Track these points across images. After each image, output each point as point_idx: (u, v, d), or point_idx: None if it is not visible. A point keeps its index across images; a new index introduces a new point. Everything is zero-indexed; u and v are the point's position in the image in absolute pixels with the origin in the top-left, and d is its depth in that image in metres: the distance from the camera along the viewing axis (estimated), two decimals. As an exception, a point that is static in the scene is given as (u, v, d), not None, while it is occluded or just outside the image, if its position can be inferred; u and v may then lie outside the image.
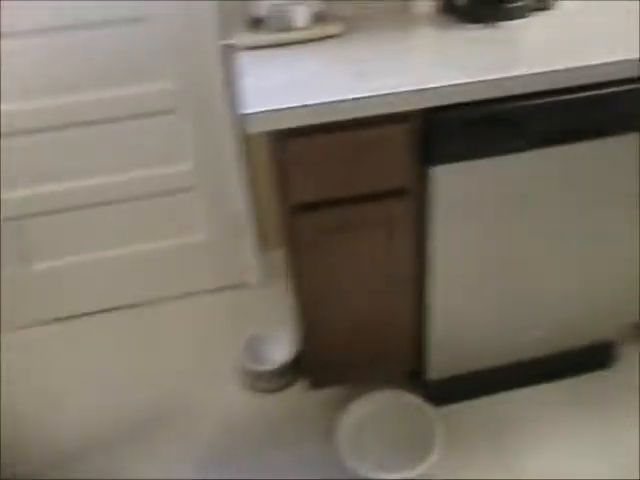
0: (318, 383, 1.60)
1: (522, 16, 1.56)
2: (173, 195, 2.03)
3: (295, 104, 1.13)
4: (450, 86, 1.17)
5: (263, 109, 1.13)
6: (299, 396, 1.76)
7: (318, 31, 1.52)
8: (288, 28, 1.53)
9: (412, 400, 1.55)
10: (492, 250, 1.42)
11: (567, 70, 1.21)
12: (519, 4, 1.55)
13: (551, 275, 1.51)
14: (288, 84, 1.24)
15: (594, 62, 1.21)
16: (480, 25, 1.52)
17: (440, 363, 1.59)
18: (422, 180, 1.29)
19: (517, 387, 1.73)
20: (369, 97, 1.15)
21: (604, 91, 1.25)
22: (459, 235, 1.37)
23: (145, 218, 2.05)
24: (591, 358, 1.75)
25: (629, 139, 1.33)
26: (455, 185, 1.29)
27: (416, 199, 1.32)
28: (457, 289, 1.46)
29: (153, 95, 1.85)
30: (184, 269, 2.17)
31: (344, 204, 1.29)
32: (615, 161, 1.36)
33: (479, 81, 1.18)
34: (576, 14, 1.57)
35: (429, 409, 1.52)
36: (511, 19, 1.54)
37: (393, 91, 1.15)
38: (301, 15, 1.52)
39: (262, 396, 1.77)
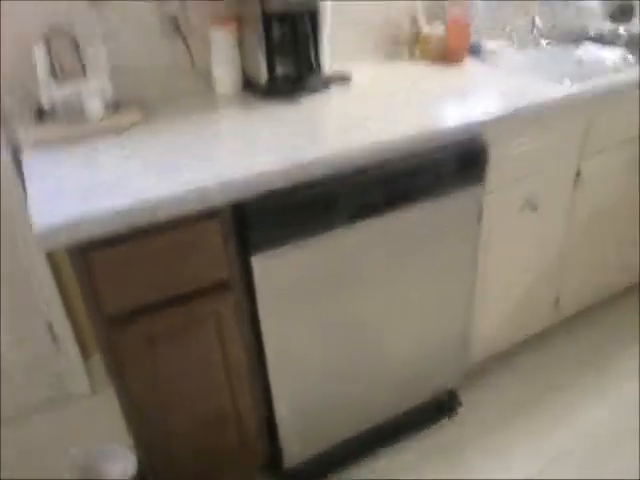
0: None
1: (321, 90, 1.60)
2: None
3: (91, 212, 1.02)
4: (255, 176, 1.14)
5: (50, 223, 0.99)
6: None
7: (114, 121, 1.42)
8: (80, 119, 1.41)
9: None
10: (326, 327, 1.40)
11: (367, 146, 1.24)
12: (318, 80, 1.59)
13: (387, 339, 1.53)
14: (81, 187, 1.12)
15: (388, 138, 1.26)
16: (282, 102, 1.53)
17: (294, 448, 1.52)
18: (244, 270, 1.24)
19: (378, 448, 1.71)
20: (173, 196, 1.07)
21: (402, 164, 1.31)
22: (290, 317, 1.33)
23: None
24: (438, 409, 1.80)
25: (436, 204, 1.40)
26: (279, 270, 1.25)
27: (242, 289, 1.26)
28: (296, 371, 1.41)
29: None
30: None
31: (167, 307, 1.19)
32: (426, 225, 1.43)
33: (283, 168, 1.16)
34: (369, 88, 1.64)
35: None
36: (312, 94, 1.58)
37: (198, 186, 1.09)
38: (94, 104, 1.41)
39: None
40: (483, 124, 1.40)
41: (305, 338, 1.38)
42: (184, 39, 1.60)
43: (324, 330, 1.40)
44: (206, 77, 1.65)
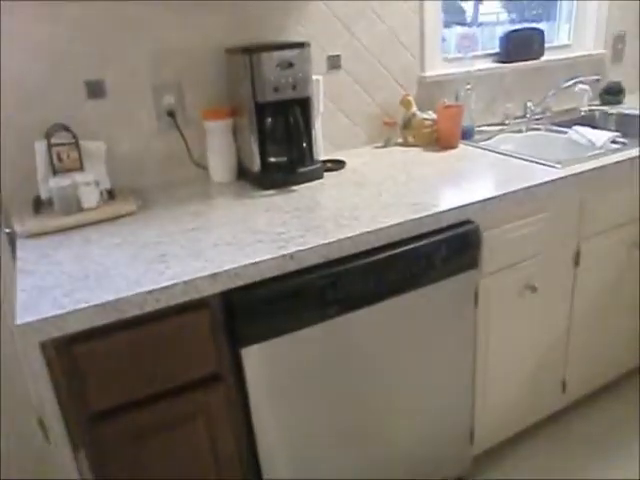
0: None
1: (315, 179, 1.62)
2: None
3: (75, 306, 1.00)
4: (245, 266, 1.13)
5: (35, 318, 0.98)
6: None
7: (110, 211, 1.43)
8: (76, 210, 1.42)
9: None
10: (320, 418, 1.34)
11: (359, 235, 1.24)
12: (311, 168, 1.62)
13: (386, 430, 1.47)
14: (70, 278, 1.11)
15: (380, 226, 1.26)
16: (276, 191, 1.55)
17: None
18: (235, 362, 1.20)
19: None
20: (161, 288, 1.06)
21: (395, 251, 1.30)
22: (283, 409, 1.28)
23: None
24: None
25: (431, 290, 1.39)
26: (271, 362, 1.22)
27: (233, 381, 1.22)
28: (290, 466, 1.34)
29: None
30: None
31: (155, 402, 1.15)
32: (422, 311, 1.40)
33: (274, 257, 1.15)
34: (362, 174, 1.67)
35: None
36: (305, 182, 1.60)
37: (188, 278, 1.08)
38: (90, 195, 1.43)
39: None
40: (475, 208, 1.41)
41: (299, 430, 1.32)
42: (180, 130, 1.64)
43: (319, 422, 1.35)
44: (202, 166, 1.68)
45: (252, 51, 1.47)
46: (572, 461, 1.87)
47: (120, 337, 1.07)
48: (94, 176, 1.43)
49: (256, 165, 1.58)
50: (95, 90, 1.53)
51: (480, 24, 2.33)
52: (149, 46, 1.57)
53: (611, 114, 2.32)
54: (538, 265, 1.65)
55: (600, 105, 2.41)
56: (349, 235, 1.23)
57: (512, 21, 2.43)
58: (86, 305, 1.01)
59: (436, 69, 2.07)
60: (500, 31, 2.27)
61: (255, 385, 1.22)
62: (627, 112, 2.29)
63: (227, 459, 1.28)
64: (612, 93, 2.42)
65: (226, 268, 1.11)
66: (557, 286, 1.73)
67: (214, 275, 1.10)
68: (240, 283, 1.14)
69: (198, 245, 1.23)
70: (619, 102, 2.42)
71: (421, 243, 1.33)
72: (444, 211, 1.35)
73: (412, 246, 1.32)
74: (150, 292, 1.05)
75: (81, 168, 1.46)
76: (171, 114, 1.62)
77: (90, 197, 1.43)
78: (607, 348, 1.99)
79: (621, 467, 1.83)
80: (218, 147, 1.63)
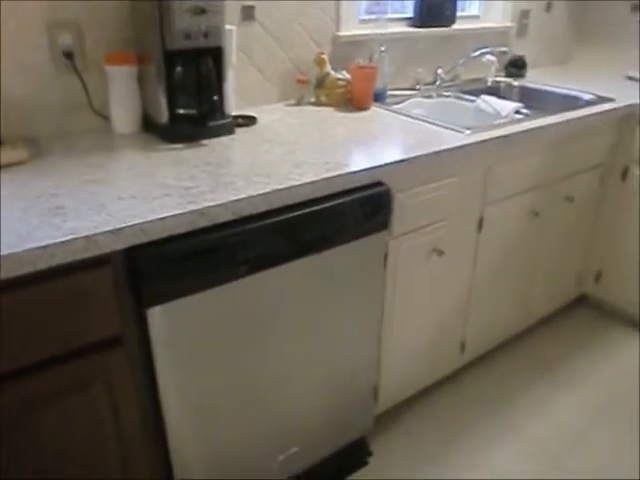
0: None
1: (226, 134, 1.56)
2: None
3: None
4: (151, 222, 1.06)
5: None
6: None
7: (-5, 159, 1.30)
8: (-43, 157, 1.28)
9: None
10: (229, 381, 1.32)
11: (272, 192, 1.21)
12: (222, 122, 1.55)
13: (293, 389, 1.47)
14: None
15: (292, 184, 1.24)
16: (184, 144, 1.47)
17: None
18: (140, 324, 1.14)
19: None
20: (56, 243, 0.97)
21: (307, 210, 1.28)
22: (190, 372, 1.24)
23: None
24: (349, 459, 1.74)
25: (342, 250, 1.38)
26: (178, 323, 1.17)
27: (137, 344, 1.16)
28: (198, 430, 1.31)
29: None
30: None
31: (48, 367, 1.06)
32: (333, 272, 1.40)
33: (183, 213, 1.09)
34: (275, 132, 1.63)
35: None
36: (215, 136, 1.53)
37: (86, 232, 1.00)
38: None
39: None
40: (387, 170, 1.41)
41: (207, 393, 1.29)
42: (80, 74, 1.51)
43: (227, 384, 1.32)
44: (104, 116, 1.56)
45: (161, -7, 1.36)
46: (471, 416, 1.97)
47: (10, 297, 0.97)
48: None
49: (163, 117, 1.48)
50: (-22, 23, 1.37)
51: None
52: (43, -22, 1.41)
53: (515, 86, 2.41)
54: (445, 229, 1.69)
55: (505, 77, 2.49)
56: (261, 192, 1.19)
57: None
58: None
59: (351, 29, 2.04)
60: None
61: (161, 348, 1.16)
62: (530, 85, 2.39)
63: (130, 429, 1.21)
64: (516, 66, 2.51)
65: (131, 223, 1.04)
66: (461, 251, 1.80)
67: (118, 230, 1.03)
68: (145, 239, 1.07)
69: (99, 198, 1.14)
70: (522, 75, 2.52)
71: (333, 203, 1.32)
72: (356, 171, 1.34)
73: (324, 205, 1.31)
74: (44, 247, 0.97)
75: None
76: (69, 56, 1.48)
77: (-27, 143, 1.29)
78: (502, 311, 2.10)
79: (509, 418, 1.97)
80: (122, 95, 1.52)
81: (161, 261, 1.10)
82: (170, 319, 1.15)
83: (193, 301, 1.17)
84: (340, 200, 1.33)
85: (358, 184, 1.36)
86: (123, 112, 1.54)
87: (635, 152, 2.19)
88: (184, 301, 1.15)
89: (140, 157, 1.39)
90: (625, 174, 2.25)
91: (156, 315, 1.13)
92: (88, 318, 1.07)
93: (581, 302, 2.59)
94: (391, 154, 1.45)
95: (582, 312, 2.56)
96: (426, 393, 2.03)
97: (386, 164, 1.41)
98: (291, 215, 1.25)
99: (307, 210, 1.28)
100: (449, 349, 1.96)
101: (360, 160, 1.40)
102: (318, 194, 1.29)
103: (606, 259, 2.40)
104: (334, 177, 1.30)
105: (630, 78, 2.55)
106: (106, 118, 1.56)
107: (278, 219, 1.23)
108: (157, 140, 1.50)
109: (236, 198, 1.15)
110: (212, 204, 1.13)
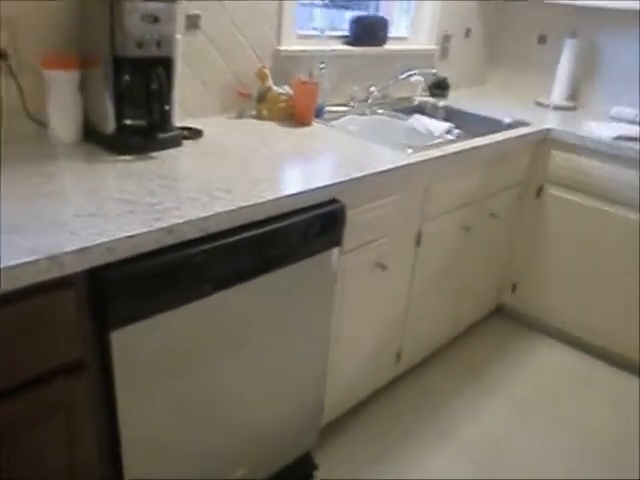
0: None
1: (173, 146, 1.51)
2: None
3: None
4: (119, 240, 1.01)
5: None
6: None
7: None
8: None
9: None
10: (184, 402, 1.27)
11: (238, 209, 1.18)
12: (170, 134, 1.50)
13: (246, 407, 1.44)
14: None
15: (259, 200, 1.22)
16: (132, 156, 1.40)
17: None
18: (102, 348, 1.07)
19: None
20: (13, 264, 0.90)
21: (272, 227, 1.27)
22: (150, 395, 1.18)
23: None
24: (297, 474, 1.73)
25: (298, 267, 1.38)
26: (140, 346, 1.11)
27: (97, 370, 1.09)
28: (154, 456, 1.25)
29: None
30: None
31: (5, 398, 0.97)
32: (289, 288, 1.39)
33: (150, 231, 1.05)
34: (222, 145, 1.59)
35: None
36: (163, 149, 1.48)
37: (45, 253, 0.93)
38: None
39: None
40: (343, 187, 1.43)
41: (164, 418, 1.23)
42: (14, 77, 1.40)
43: (183, 407, 1.27)
44: (41, 122, 1.45)
45: (114, -3, 1.30)
46: (405, 422, 2.03)
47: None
48: None
49: (109, 127, 1.41)
50: None
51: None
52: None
53: (440, 107, 2.52)
54: (387, 245, 1.74)
55: (429, 97, 2.60)
56: (228, 209, 1.17)
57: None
58: None
59: (291, 44, 2.04)
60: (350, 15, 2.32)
61: (124, 371, 1.10)
62: (454, 107, 2.51)
63: (87, 461, 1.13)
64: (440, 87, 2.63)
65: (97, 242, 0.98)
66: (402, 265, 1.85)
67: (83, 250, 0.96)
68: (111, 259, 1.01)
69: (55, 215, 1.06)
70: (445, 96, 2.64)
71: (295, 219, 1.32)
72: (317, 188, 1.35)
73: (287, 222, 1.30)
74: (8, 269, 0.89)
75: None
76: (3, 56, 1.37)
77: None
78: (436, 321, 2.19)
79: (443, 423, 2.04)
80: (61, 102, 1.42)
81: (126, 282, 1.04)
82: (133, 341, 1.09)
83: (156, 322, 1.12)
84: (302, 217, 1.33)
85: (318, 201, 1.37)
86: (63, 119, 1.44)
87: (548, 172, 2.37)
88: (148, 322, 1.10)
89: (86, 169, 1.31)
90: (539, 192, 2.42)
91: (120, 338, 1.06)
92: (49, 344, 0.99)
93: (500, 311, 2.75)
94: (342, 172, 1.47)
95: (501, 321, 2.72)
96: (366, 403, 2.06)
97: (341, 182, 1.42)
98: (257, 232, 1.23)
99: (271, 227, 1.26)
100: (386, 359, 2.01)
101: (315, 177, 1.41)
102: (282, 210, 1.28)
103: (522, 271, 2.57)
104: (297, 194, 1.30)
105: (539, 104, 2.75)
106: (43, 125, 1.46)
107: (243, 236, 1.21)
108: (102, 151, 1.42)
109: (205, 215, 1.12)
110: (180, 221, 1.09)
